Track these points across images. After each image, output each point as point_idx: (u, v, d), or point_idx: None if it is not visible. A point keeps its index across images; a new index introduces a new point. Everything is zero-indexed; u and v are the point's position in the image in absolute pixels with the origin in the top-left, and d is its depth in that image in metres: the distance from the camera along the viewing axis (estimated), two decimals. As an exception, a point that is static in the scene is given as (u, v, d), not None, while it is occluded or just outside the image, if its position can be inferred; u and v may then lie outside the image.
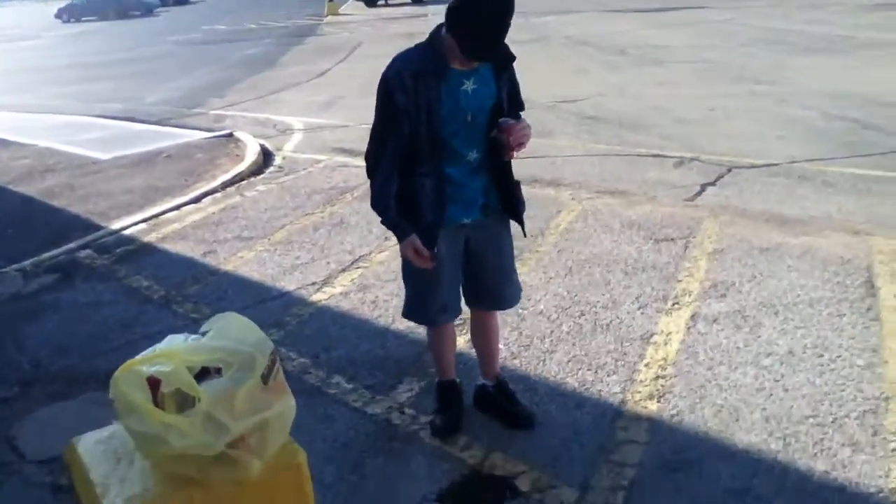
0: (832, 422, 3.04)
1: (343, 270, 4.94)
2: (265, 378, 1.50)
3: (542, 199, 5.90)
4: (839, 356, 3.46)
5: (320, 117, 10.20)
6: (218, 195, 6.87)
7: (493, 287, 3.09)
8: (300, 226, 5.86)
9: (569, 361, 3.63)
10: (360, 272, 4.89)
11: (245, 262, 5.23)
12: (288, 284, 4.81)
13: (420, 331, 4.08)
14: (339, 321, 4.29)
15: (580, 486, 2.84)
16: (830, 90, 9.10)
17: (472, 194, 2.86)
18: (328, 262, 5.08)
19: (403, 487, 2.91)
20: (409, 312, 3.11)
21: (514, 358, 3.74)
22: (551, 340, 3.84)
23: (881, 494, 2.64)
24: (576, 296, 4.31)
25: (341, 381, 3.69)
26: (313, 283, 4.79)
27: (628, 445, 3.04)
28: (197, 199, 6.74)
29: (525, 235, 3.10)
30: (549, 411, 3.31)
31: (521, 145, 2.71)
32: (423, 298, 3.01)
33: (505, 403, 3.28)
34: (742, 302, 4.00)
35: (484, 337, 3.29)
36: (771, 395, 3.23)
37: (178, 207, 6.54)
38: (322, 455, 3.14)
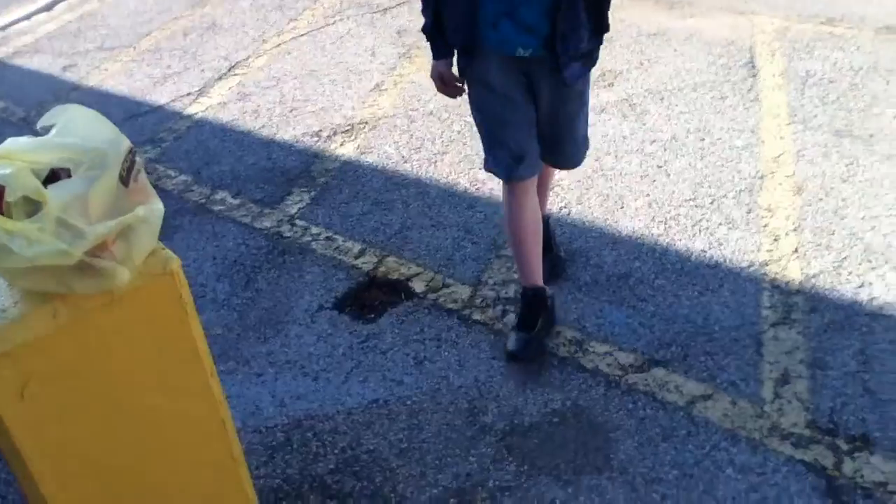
0: (711, 203, 3.15)
1: (219, 79, 4.63)
2: (124, 179, 1.36)
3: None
4: (720, 139, 3.54)
5: None
6: (73, 0, 6.20)
7: (552, 140, 2.47)
8: (168, 31, 5.39)
9: (460, 162, 3.59)
10: (239, 80, 4.59)
11: (111, 76, 4.83)
12: (160, 97, 4.49)
13: (306, 139, 3.93)
14: (219, 134, 4.08)
15: (473, 282, 2.90)
16: None
17: (531, 15, 2.11)
18: (202, 71, 4.74)
19: (299, 299, 2.91)
20: (486, 162, 2.46)
21: (406, 161, 3.67)
22: (442, 141, 3.77)
23: (752, 268, 2.80)
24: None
25: (227, 197, 3.56)
26: (188, 95, 4.48)
27: (519, 240, 3.09)
28: (49, 7, 6.06)
29: (566, 86, 2.25)
30: (441, 213, 3.30)
31: None
32: (493, 142, 2.41)
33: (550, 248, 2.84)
34: (629, 90, 3.98)
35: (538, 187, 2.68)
36: (654, 181, 3.31)
37: (28, 17, 5.89)
38: (213, 274, 3.08)
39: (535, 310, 2.54)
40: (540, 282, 2.56)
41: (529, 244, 2.51)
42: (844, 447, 2.11)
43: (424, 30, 2.33)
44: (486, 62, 2.25)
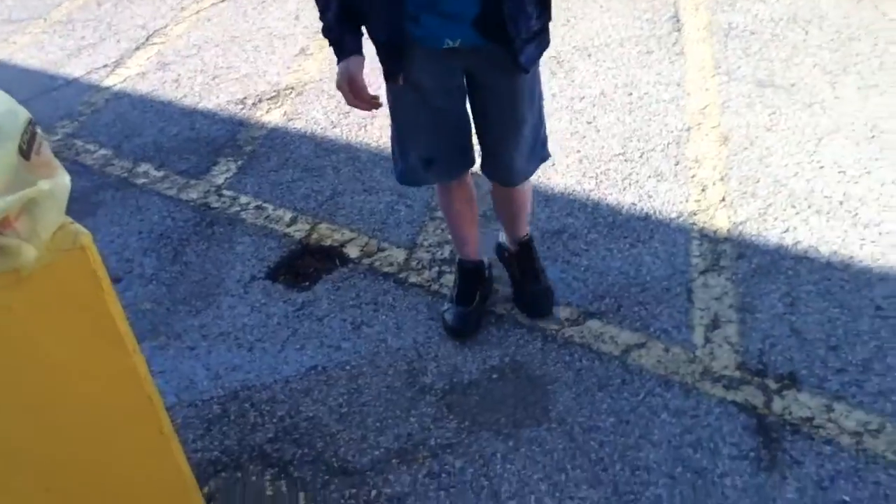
0: (640, 156, 3.18)
1: (137, 49, 4.46)
2: (24, 152, 1.29)
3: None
4: (647, 93, 3.57)
5: None
6: (-25, -28, 5.88)
7: (495, 149, 2.18)
8: (81, 1, 5.17)
9: (390, 126, 3.53)
10: (157, 49, 4.44)
11: (20, 49, 4.61)
12: (75, 70, 4.31)
13: (231, 107, 3.83)
14: (139, 105, 3.94)
15: (408, 245, 2.88)
16: None
17: (455, 3, 1.85)
18: (119, 41, 4.56)
19: (230, 270, 2.85)
20: (394, 164, 2.25)
21: (334, 127, 3.61)
22: (370, 104, 3.71)
23: (681, 218, 2.85)
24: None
25: (150, 170, 3.44)
26: (105, 66, 4.32)
27: (452, 201, 3.07)
28: (-51, -21, 5.75)
29: (526, 72, 1.96)
30: (373, 177, 3.26)
31: None
32: (402, 145, 2.17)
33: (517, 273, 2.54)
34: (557, 47, 3.98)
35: (500, 206, 2.48)
36: (584, 137, 3.32)
37: (-74, -10, 5.57)
38: (139, 249, 2.99)
39: (472, 284, 2.52)
40: (476, 255, 2.53)
41: (463, 227, 2.44)
42: (773, 386, 2.17)
43: (327, 25, 1.93)
44: (412, 60, 1.94)
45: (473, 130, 2.19)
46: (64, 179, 1.32)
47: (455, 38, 1.89)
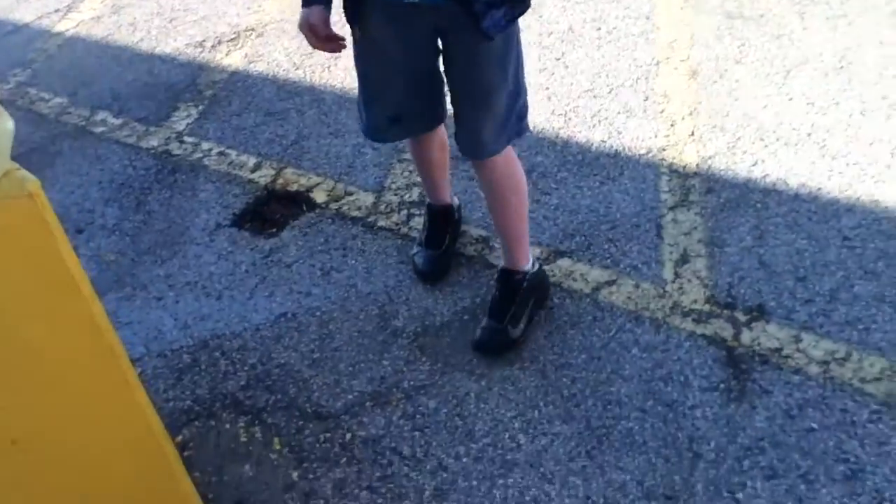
0: (609, 92, 3.14)
1: (89, -9, 4.30)
2: None
3: None
4: (615, 27, 3.51)
5: None
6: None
7: (462, 117, 1.98)
8: (27, -58, 4.95)
9: (354, 66, 3.45)
10: (110, -9, 4.27)
11: (-34, -6, 4.42)
12: (24, 15, 4.14)
13: (190, 51, 3.71)
14: (94, 51, 3.80)
15: (375, 189, 2.84)
16: None
17: None
18: (69, -16, 4.39)
19: (195, 219, 2.79)
20: (359, 117, 2.14)
21: (297, 68, 3.51)
22: (334, 45, 3.62)
23: (650, 154, 2.83)
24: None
25: (108, 118, 3.34)
26: (56, 11, 4.15)
27: (420, 142, 3.02)
28: None
29: (490, 38, 1.75)
30: (338, 119, 3.20)
31: None
32: (365, 100, 2.06)
33: (491, 304, 2.25)
34: (523, -18, 3.89)
35: (487, 199, 2.23)
36: (553, 73, 3.27)
37: None
38: (100, 199, 2.92)
39: (441, 227, 2.48)
40: (446, 199, 2.48)
41: (433, 172, 2.36)
42: (742, 318, 2.19)
43: None
44: (373, 13, 1.83)
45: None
46: (6, 124, 1.26)
47: None
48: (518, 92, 1.96)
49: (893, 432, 1.84)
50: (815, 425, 1.87)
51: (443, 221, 2.49)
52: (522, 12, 1.78)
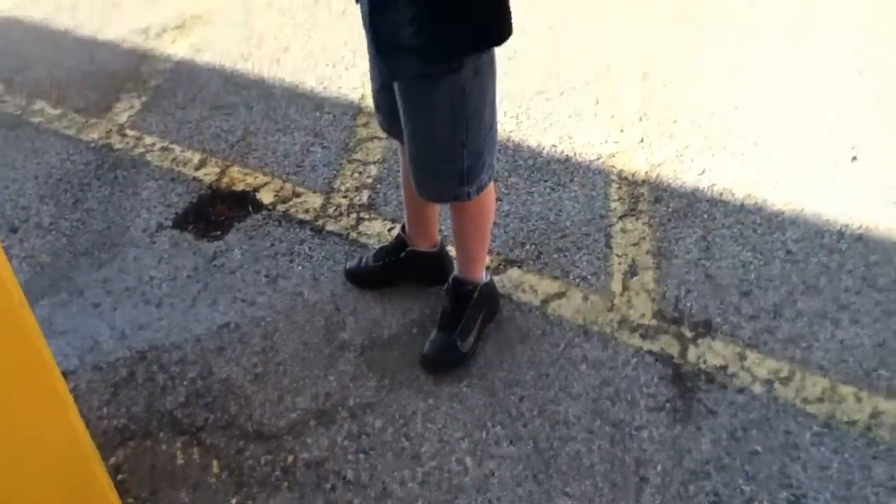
0: (560, 95, 3.12)
1: (25, -31, 4.11)
2: None
3: None
4: (568, 27, 3.49)
5: None
6: None
7: (410, 154, 1.85)
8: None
9: (304, 58, 3.37)
10: (48, -30, 4.09)
11: None
12: (-45, -7, 3.95)
13: (133, 37, 3.59)
14: (31, 35, 3.64)
15: (324, 190, 2.77)
16: None
17: None
18: (4, -40, 4.19)
19: (135, 218, 2.69)
20: None
21: (245, 59, 3.42)
22: (284, 35, 3.52)
23: (600, 160, 2.82)
24: None
25: (46, 107, 3.21)
26: (-10, -11, 3.97)
27: (371, 143, 2.96)
28: None
29: (401, 80, 1.72)
30: (287, 115, 3.12)
31: None
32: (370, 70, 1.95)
33: (441, 315, 2.18)
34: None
35: (451, 217, 2.09)
36: (506, 74, 3.21)
37: None
38: (35, 195, 2.80)
39: (393, 254, 2.33)
40: (420, 241, 2.29)
41: (409, 200, 2.20)
42: (689, 334, 2.20)
43: None
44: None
45: None
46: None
47: (365, 23, 1.68)
48: (458, 155, 1.77)
49: (834, 456, 1.87)
50: (759, 448, 1.89)
51: (398, 254, 2.31)
52: (448, 65, 1.63)
